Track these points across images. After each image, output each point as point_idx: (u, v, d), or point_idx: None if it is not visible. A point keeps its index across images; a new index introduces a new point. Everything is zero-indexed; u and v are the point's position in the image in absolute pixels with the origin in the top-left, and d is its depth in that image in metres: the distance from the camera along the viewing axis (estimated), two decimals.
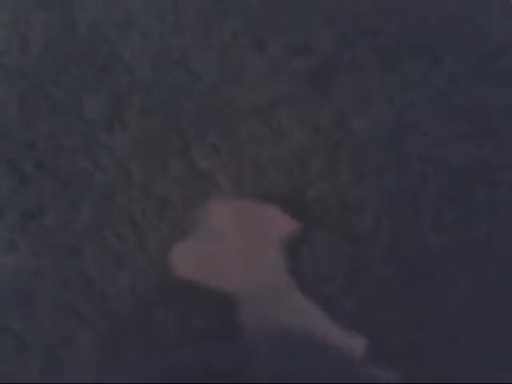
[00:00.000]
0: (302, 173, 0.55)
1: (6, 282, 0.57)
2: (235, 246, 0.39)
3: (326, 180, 0.55)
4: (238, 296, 0.39)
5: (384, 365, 0.46)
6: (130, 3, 0.61)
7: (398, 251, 0.54)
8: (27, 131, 0.60)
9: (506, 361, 0.52)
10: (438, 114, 0.58)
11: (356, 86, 0.58)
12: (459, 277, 0.54)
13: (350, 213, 0.54)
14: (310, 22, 0.60)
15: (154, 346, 0.52)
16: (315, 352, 0.36)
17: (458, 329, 0.53)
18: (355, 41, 0.60)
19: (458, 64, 0.60)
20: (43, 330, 0.56)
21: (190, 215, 0.51)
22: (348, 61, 0.59)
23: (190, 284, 0.44)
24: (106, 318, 0.55)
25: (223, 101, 0.58)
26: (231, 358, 0.35)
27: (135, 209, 0.57)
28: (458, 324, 0.53)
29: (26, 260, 0.58)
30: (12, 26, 0.62)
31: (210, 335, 0.43)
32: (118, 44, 0.61)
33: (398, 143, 0.57)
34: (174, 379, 0.32)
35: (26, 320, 0.57)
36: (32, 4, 0.62)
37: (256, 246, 0.38)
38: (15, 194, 0.60)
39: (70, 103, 0.60)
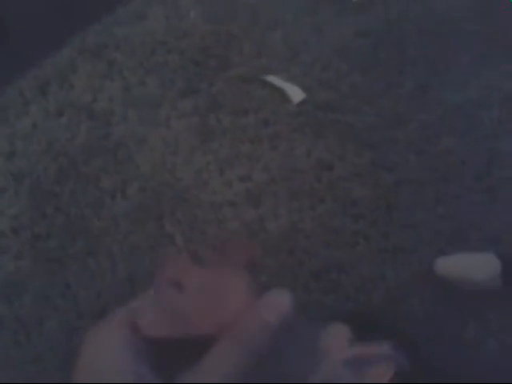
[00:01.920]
0: None
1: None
2: (198, 289, 0.36)
3: None
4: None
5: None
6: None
7: None
8: (58, 186, 0.90)
9: None
10: None
11: None
12: None
13: None
14: None
15: None
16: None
17: None
18: None
19: None
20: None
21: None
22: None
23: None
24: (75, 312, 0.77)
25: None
26: None
27: (117, 248, 0.83)
28: None
29: (26, 265, 0.81)
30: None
31: None
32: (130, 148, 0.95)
33: None
34: None
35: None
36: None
37: (220, 279, 0.36)
38: (33, 223, 0.86)
39: (92, 177, 0.91)
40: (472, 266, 0.76)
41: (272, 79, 1.02)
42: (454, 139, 0.92)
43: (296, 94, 0.99)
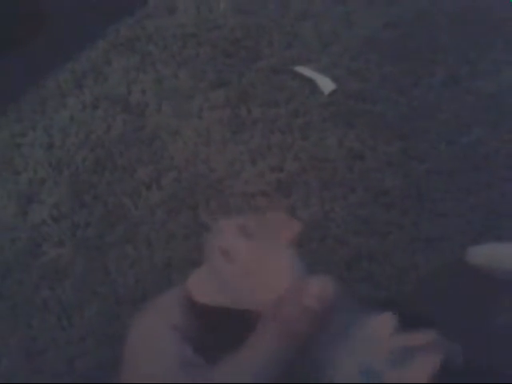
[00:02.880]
0: None
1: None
2: (247, 263, 0.38)
3: None
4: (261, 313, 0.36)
5: None
6: None
7: None
8: (96, 176, 0.93)
9: None
10: None
11: None
12: None
13: None
14: None
15: None
16: None
17: None
18: None
19: None
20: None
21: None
22: None
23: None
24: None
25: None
26: None
27: (154, 236, 0.86)
28: None
29: (67, 252, 0.85)
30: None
31: None
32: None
33: None
34: None
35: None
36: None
37: (268, 255, 0.38)
38: (73, 212, 0.90)
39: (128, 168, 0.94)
40: (504, 255, 0.76)
41: (302, 70, 1.03)
42: (485, 129, 0.92)
43: (326, 84, 1.00)
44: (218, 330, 0.36)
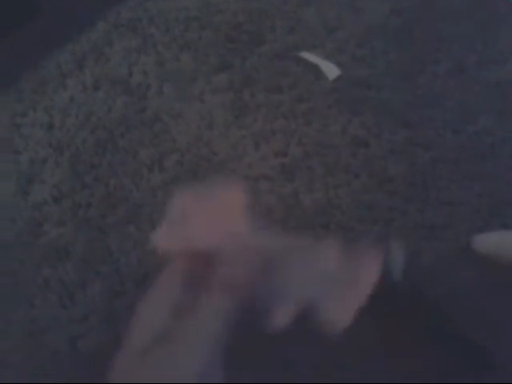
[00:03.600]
0: None
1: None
2: (202, 221, 0.40)
3: None
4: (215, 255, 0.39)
5: None
6: None
7: None
8: (97, 157, 0.91)
9: None
10: None
11: None
12: None
13: None
14: None
15: None
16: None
17: None
18: None
19: None
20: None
21: None
22: None
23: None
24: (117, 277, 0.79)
25: None
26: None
27: (157, 217, 0.85)
28: None
29: (68, 232, 0.84)
30: None
31: None
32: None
33: None
34: None
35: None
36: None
37: (220, 215, 0.40)
38: (74, 192, 0.88)
39: (130, 150, 0.93)
40: (509, 242, 0.76)
41: (307, 56, 1.02)
42: (491, 118, 0.92)
43: (331, 70, 0.99)
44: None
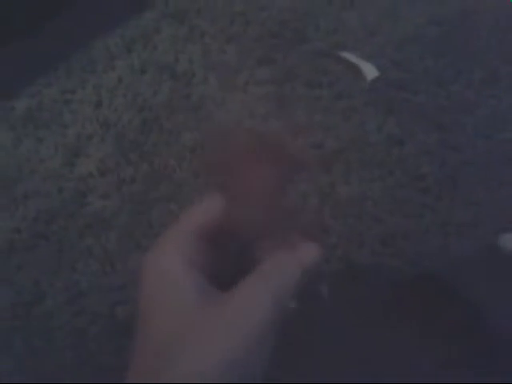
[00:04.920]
0: None
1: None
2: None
3: None
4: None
5: None
6: None
7: None
8: (142, 136, 0.96)
9: None
10: None
11: None
12: None
13: None
14: None
15: None
16: None
17: None
18: None
19: None
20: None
21: None
22: None
23: None
24: None
25: None
26: None
27: (197, 197, 0.89)
28: None
29: (112, 204, 0.88)
30: None
31: None
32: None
33: None
34: None
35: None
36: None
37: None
38: (119, 167, 0.93)
39: (174, 132, 0.97)
40: None
41: (347, 55, 1.06)
42: None
43: (370, 71, 1.03)
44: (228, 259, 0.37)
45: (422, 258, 0.83)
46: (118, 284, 0.81)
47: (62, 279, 0.83)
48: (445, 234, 0.85)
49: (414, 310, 0.80)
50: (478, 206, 0.88)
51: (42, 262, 0.85)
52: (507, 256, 0.79)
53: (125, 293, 0.81)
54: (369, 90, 1.02)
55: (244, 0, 1.16)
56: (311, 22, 1.12)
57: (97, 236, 0.86)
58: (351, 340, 0.79)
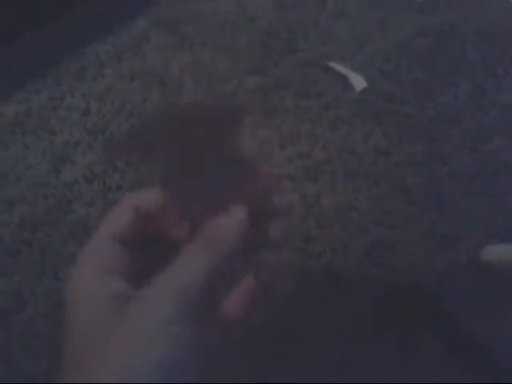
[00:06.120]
0: None
1: None
2: None
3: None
4: None
5: None
6: None
7: None
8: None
9: None
10: None
11: None
12: None
13: None
14: None
15: None
16: None
17: None
18: None
19: None
20: None
21: None
22: None
23: None
24: None
25: None
26: None
27: None
28: None
29: (97, 212, 0.88)
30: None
31: None
32: None
33: None
34: None
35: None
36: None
37: None
38: (105, 175, 0.92)
39: None
40: None
41: (336, 66, 1.06)
42: (506, 138, 0.96)
43: (358, 82, 1.04)
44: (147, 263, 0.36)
45: (407, 269, 0.83)
46: None
47: (44, 287, 0.82)
48: (429, 245, 0.85)
49: (397, 321, 0.80)
50: (463, 218, 0.88)
51: (24, 269, 0.84)
52: (490, 269, 0.79)
53: None
54: (357, 101, 1.02)
55: (234, 10, 1.17)
56: (301, 32, 1.13)
57: (81, 243, 0.85)
58: (335, 350, 0.79)
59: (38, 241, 0.86)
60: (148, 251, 0.38)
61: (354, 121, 0.99)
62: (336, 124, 0.99)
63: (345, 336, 0.79)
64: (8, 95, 1.05)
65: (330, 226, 0.88)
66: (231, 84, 1.05)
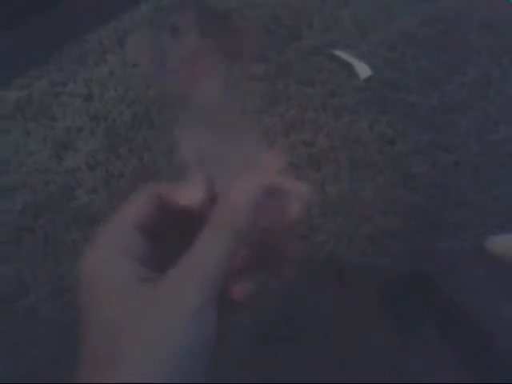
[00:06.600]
0: None
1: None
2: None
3: None
4: None
5: None
6: None
7: None
8: (132, 131, 0.95)
9: None
10: None
11: None
12: None
13: None
14: None
15: None
16: None
17: None
18: None
19: None
20: None
21: None
22: None
23: None
24: None
25: None
26: None
27: None
28: None
29: (99, 199, 0.87)
30: None
31: None
32: None
33: None
34: None
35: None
36: None
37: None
38: (108, 162, 0.92)
39: (165, 127, 0.96)
40: None
41: (341, 54, 1.05)
42: (511, 128, 0.96)
43: (363, 70, 1.03)
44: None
45: (410, 257, 0.83)
46: None
47: (46, 273, 0.82)
48: (433, 234, 0.85)
49: (400, 309, 0.80)
50: (467, 208, 0.87)
51: (26, 256, 0.84)
52: (494, 258, 0.79)
53: None
54: (361, 89, 1.01)
55: None
56: (305, 19, 1.12)
57: (83, 230, 0.85)
58: (339, 339, 0.78)
59: (40, 227, 0.86)
60: (167, 241, 0.37)
61: (359, 109, 0.99)
62: (340, 112, 0.98)
63: (347, 324, 0.79)
64: (9, 80, 1.03)
65: (334, 215, 0.87)
66: (235, 71, 1.04)
